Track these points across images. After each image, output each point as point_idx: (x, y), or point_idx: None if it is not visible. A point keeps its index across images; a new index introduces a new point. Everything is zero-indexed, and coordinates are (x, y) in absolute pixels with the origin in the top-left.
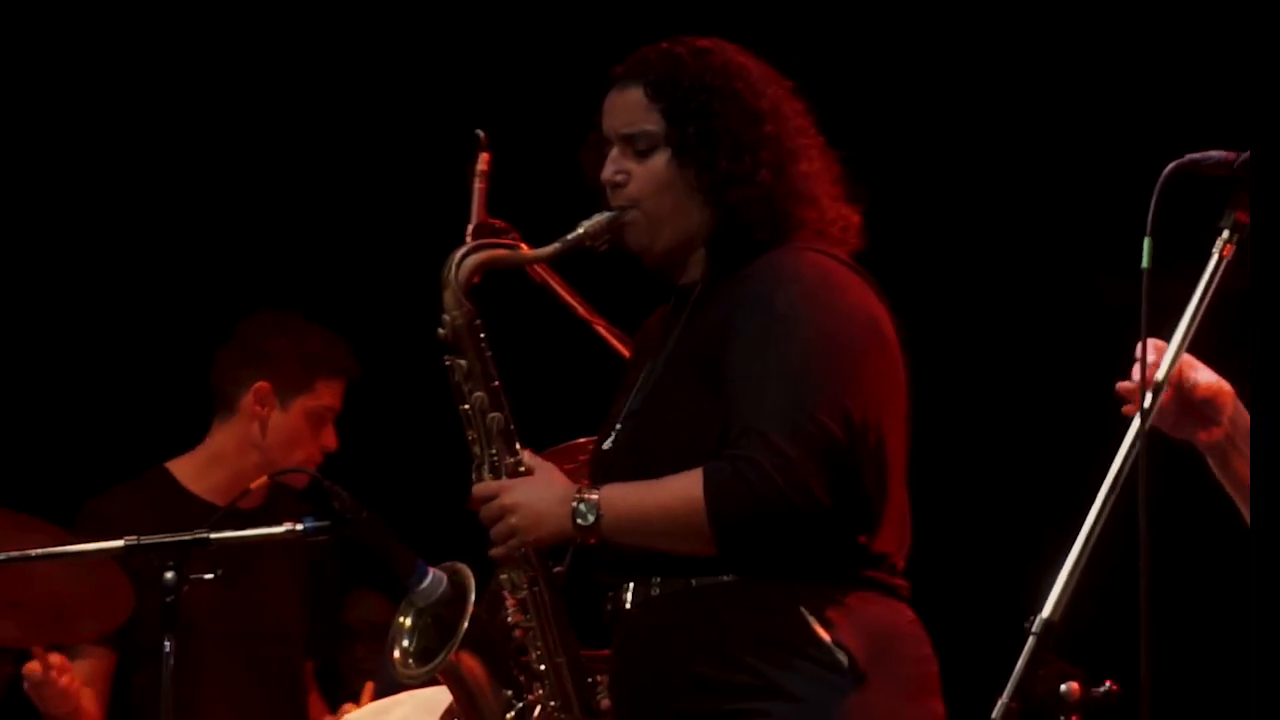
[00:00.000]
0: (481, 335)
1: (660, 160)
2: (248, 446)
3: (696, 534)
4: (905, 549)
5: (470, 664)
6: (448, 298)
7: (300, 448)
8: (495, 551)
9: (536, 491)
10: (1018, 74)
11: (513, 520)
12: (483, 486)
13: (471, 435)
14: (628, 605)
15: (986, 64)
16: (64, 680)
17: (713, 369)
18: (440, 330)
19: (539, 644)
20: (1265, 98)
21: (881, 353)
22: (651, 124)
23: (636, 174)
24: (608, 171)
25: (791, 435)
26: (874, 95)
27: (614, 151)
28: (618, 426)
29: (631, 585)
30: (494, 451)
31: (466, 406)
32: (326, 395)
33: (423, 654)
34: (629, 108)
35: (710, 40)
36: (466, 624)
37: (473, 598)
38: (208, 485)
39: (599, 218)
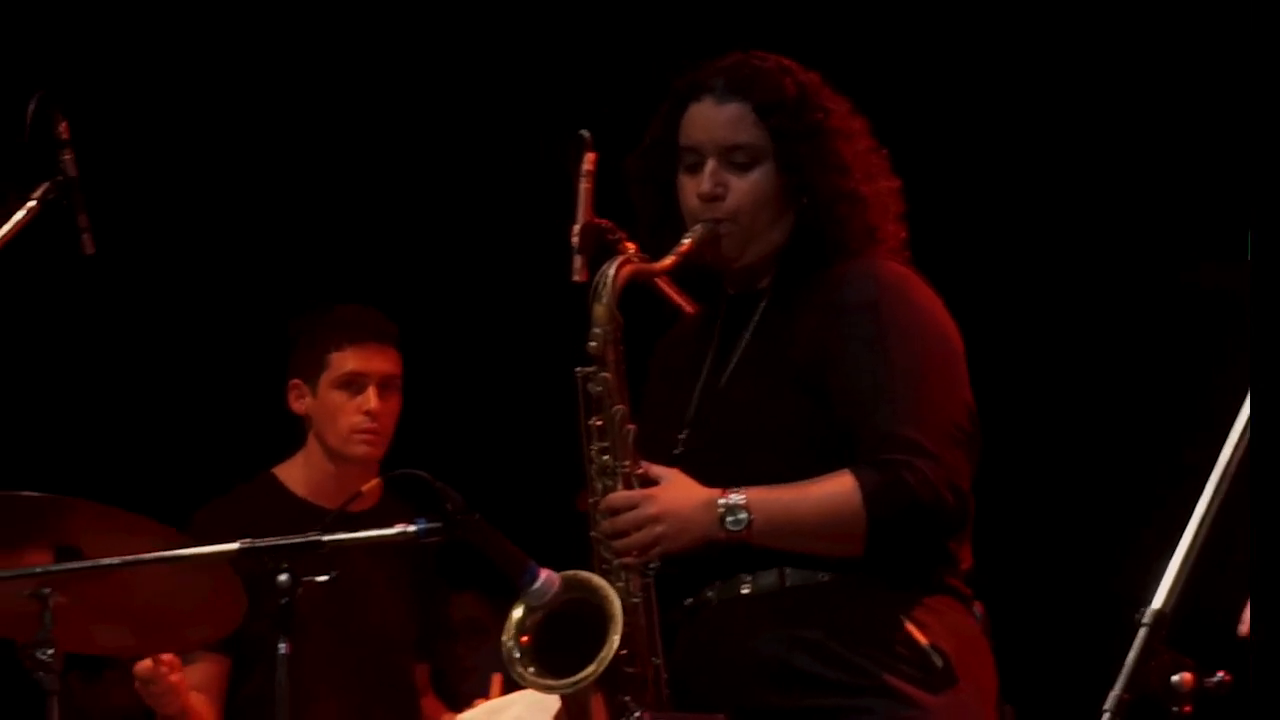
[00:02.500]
0: (621, 348)
1: (760, 175)
2: (315, 443)
3: (850, 537)
4: (970, 560)
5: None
6: (599, 312)
7: (340, 419)
8: (628, 560)
9: (679, 499)
10: (1109, 55)
11: (659, 529)
12: (620, 496)
13: (600, 447)
14: (714, 602)
15: (1071, 50)
16: (174, 677)
17: (810, 373)
18: (591, 345)
19: (639, 648)
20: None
21: (964, 357)
22: (756, 139)
23: (736, 188)
24: (706, 185)
25: (935, 436)
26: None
27: (711, 164)
28: (685, 433)
29: (717, 584)
30: (626, 464)
31: (599, 420)
32: (342, 364)
33: (542, 658)
34: (731, 123)
35: (786, 59)
36: (610, 657)
37: (620, 626)
38: (310, 489)
39: (700, 230)
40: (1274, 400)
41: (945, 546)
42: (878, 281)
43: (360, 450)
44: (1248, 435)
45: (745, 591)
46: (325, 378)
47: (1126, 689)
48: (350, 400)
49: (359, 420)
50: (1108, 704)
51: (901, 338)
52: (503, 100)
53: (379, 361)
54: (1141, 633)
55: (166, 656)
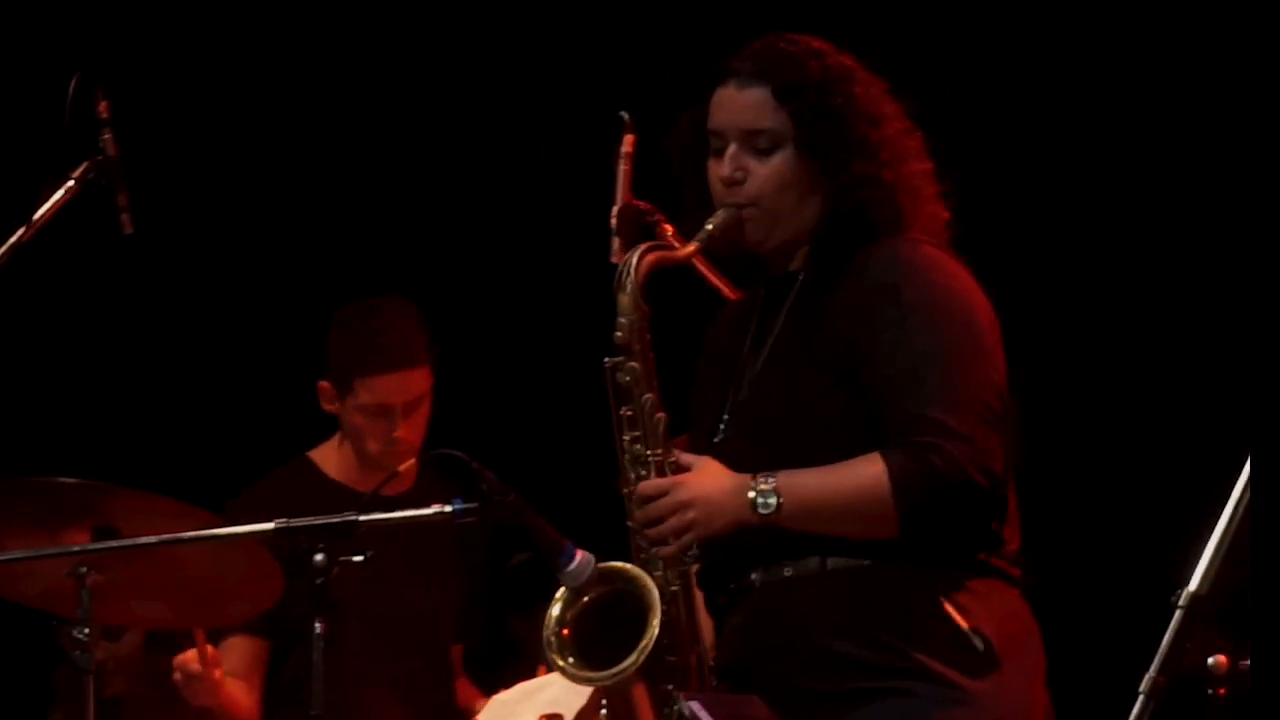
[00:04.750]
0: (648, 336)
1: (782, 159)
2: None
3: (881, 519)
4: (1018, 540)
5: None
6: (624, 301)
7: (367, 441)
8: (666, 550)
9: (709, 484)
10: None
11: (690, 515)
12: (651, 484)
13: (631, 436)
14: (757, 586)
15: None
16: (217, 673)
17: (841, 358)
18: (617, 334)
19: (679, 637)
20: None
21: (999, 337)
22: (777, 123)
23: (757, 172)
24: (727, 169)
25: (964, 417)
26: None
27: (732, 149)
28: (725, 418)
29: (760, 568)
30: (658, 452)
31: (629, 410)
32: (366, 394)
33: (582, 651)
34: (752, 106)
35: (819, 41)
36: (650, 647)
37: (658, 616)
38: (344, 473)
39: (723, 215)
40: (1274, 400)
41: (988, 528)
42: (899, 263)
43: (389, 464)
44: None
45: (788, 574)
46: (351, 400)
47: (1161, 671)
48: (375, 424)
49: (381, 448)
50: (1142, 686)
51: (926, 319)
52: (544, 83)
53: (405, 390)
54: (1177, 615)
55: (211, 652)
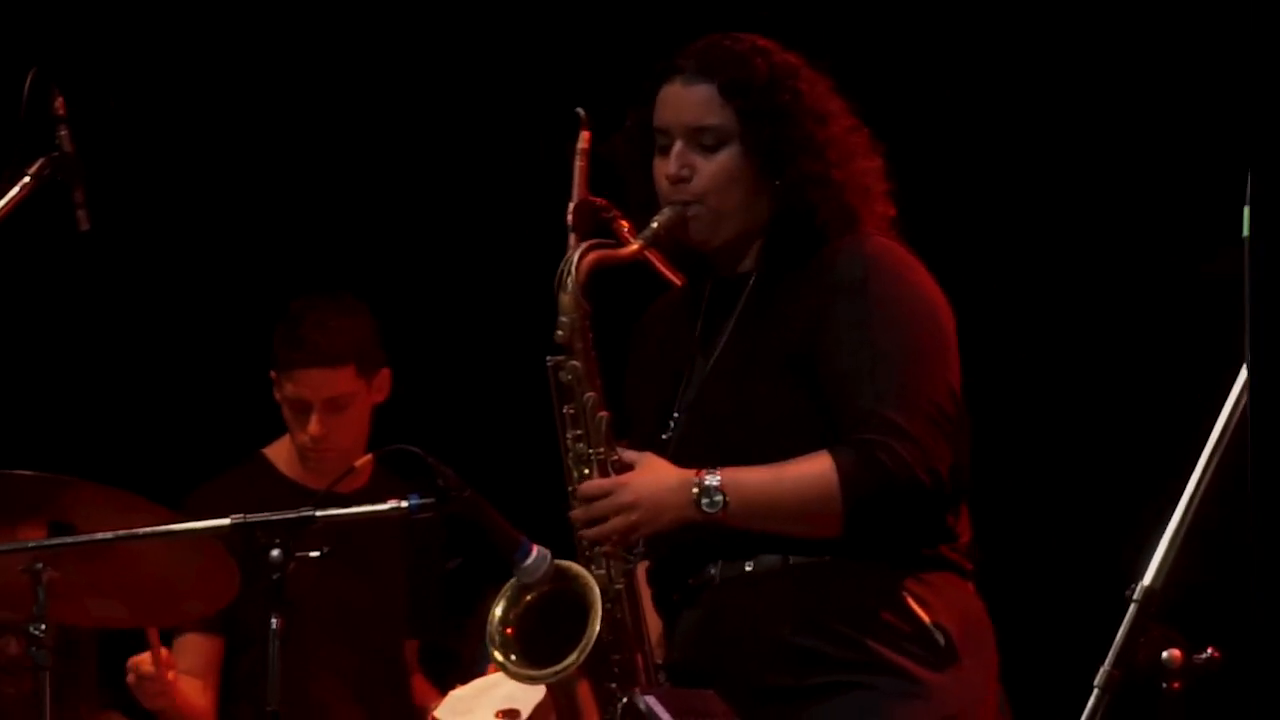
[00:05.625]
0: (590, 335)
1: (728, 155)
2: None
3: (828, 516)
4: (970, 533)
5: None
6: (565, 301)
7: (293, 434)
8: (607, 549)
9: (652, 483)
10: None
11: (634, 516)
12: (592, 485)
13: (574, 435)
14: (716, 581)
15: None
16: (170, 675)
17: (798, 356)
18: (558, 333)
19: (624, 635)
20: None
21: (955, 334)
22: (723, 120)
23: (703, 169)
24: (673, 167)
25: (914, 417)
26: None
27: (678, 146)
28: (674, 417)
29: (720, 563)
30: (600, 451)
31: (571, 409)
32: (288, 385)
33: (525, 649)
34: (698, 104)
35: (764, 39)
36: (591, 644)
37: (599, 613)
38: (298, 470)
39: (668, 213)
40: (1273, 391)
41: (944, 522)
42: (866, 260)
43: (312, 467)
44: (1237, 412)
45: (749, 569)
46: (278, 392)
47: (1116, 665)
48: (297, 418)
49: (305, 441)
50: (1097, 679)
51: (888, 317)
52: (499, 81)
53: (320, 387)
54: (1131, 609)
55: (165, 654)
